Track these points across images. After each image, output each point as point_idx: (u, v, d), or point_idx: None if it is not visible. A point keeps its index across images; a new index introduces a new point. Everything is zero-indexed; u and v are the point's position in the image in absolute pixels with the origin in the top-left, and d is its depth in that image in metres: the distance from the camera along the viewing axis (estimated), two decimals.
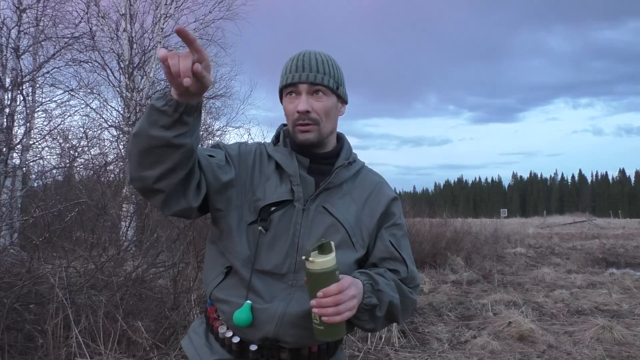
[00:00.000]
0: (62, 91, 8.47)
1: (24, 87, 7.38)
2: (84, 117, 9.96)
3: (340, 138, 1.39)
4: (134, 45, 10.51)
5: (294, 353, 1.23)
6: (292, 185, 1.27)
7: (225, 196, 1.25)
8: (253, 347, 1.22)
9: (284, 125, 1.38)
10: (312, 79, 1.25)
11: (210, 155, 1.24)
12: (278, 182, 1.29)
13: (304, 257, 1.07)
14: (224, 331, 1.24)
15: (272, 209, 1.25)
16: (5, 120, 7.26)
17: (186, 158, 1.08)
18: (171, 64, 0.94)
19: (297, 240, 1.23)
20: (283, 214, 1.25)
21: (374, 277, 1.20)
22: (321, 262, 1.06)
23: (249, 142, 1.41)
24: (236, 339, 1.23)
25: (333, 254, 1.07)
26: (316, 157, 1.31)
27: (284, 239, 1.24)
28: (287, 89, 1.28)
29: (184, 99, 1.01)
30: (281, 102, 1.34)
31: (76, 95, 9.06)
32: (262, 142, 1.40)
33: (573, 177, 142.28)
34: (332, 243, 1.09)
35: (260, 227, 1.23)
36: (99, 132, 9.95)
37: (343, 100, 1.35)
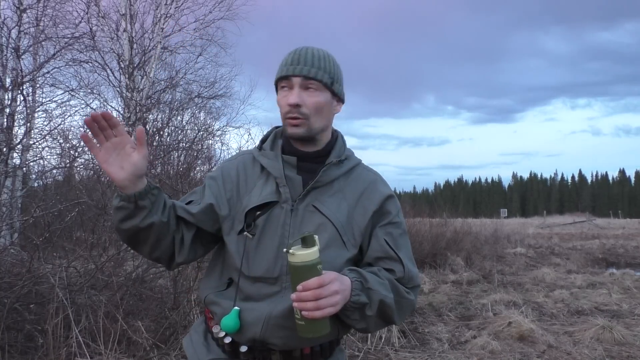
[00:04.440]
0: (63, 91, 8.44)
1: (24, 87, 7.37)
2: (84, 117, 9.92)
3: (335, 135, 1.36)
4: (134, 45, 10.51)
5: (285, 355, 1.22)
6: (278, 187, 1.26)
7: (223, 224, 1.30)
8: (243, 349, 1.22)
9: (277, 127, 1.36)
10: (306, 72, 1.23)
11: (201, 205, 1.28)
12: (263, 186, 1.28)
13: (285, 250, 1.06)
14: (218, 331, 1.25)
15: (258, 213, 1.24)
16: (5, 120, 7.26)
17: (162, 230, 1.20)
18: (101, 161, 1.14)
19: (287, 242, 1.21)
20: (268, 216, 1.24)
21: (364, 274, 1.17)
22: (302, 254, 1.03)
23: (236, 152, 1.43)
24: (228, 339, 1.23)
25: (316, 248, 1.05)
26: (306, 155, 1.29)
27: (272, 241, 1.22)
28: (280, 83, 1.27)
29: (130, 191, 1.13)
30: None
31: (76, 95, 9.05)
32: (248, 148, 1.41)
33: (573, 177, 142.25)
34: (316, 237, 1.07)
35: (246, 233, 1.23)
36: None
37: (339, 97, 1.32)
